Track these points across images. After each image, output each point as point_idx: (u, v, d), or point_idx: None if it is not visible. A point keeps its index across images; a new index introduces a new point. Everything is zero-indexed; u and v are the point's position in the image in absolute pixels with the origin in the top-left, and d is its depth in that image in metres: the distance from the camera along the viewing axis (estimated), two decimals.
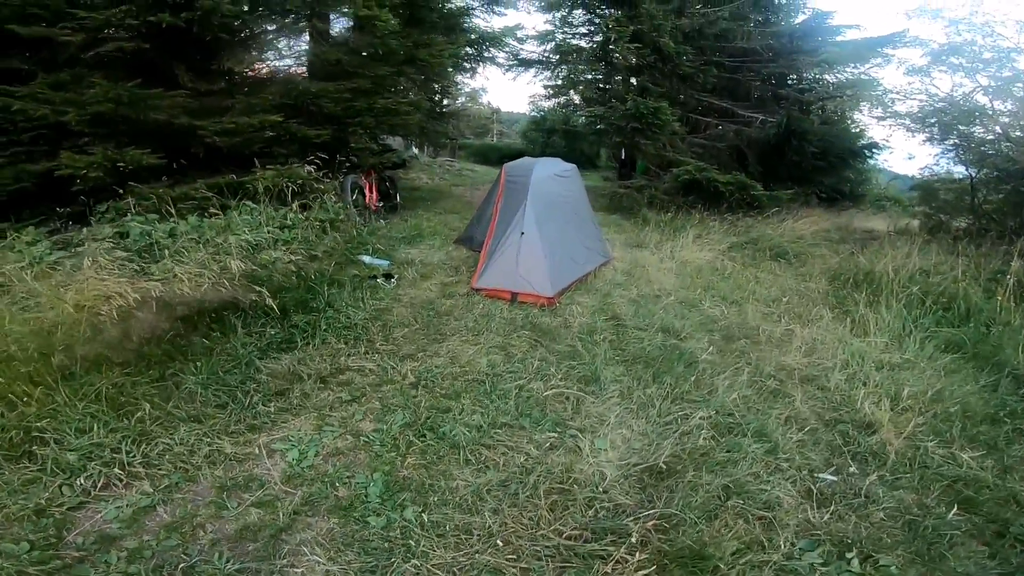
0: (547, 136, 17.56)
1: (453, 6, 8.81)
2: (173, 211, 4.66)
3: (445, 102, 14.11)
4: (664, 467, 2.47)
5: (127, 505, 2.10)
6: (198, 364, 3.02)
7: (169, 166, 5.07)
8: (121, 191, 4.60)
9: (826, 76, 11.24)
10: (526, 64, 12.00)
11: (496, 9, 11.18)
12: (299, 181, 5.21)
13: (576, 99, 11.91)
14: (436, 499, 2.21)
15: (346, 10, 4.99)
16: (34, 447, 2.30)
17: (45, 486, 2.14)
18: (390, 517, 2.10)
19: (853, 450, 2.76)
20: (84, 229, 4.45)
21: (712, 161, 9.58)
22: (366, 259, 5.04)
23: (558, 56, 11.36)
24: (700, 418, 2.85)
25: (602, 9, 10.34)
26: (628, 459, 2.53)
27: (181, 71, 4.78)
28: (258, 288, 3.65)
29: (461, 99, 19.61)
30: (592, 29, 11.16)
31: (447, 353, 3.45)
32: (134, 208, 4.59)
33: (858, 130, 11.67)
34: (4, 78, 4.29)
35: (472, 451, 2.52)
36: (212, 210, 4.84)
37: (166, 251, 4.12)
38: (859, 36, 10.26)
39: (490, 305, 4.26)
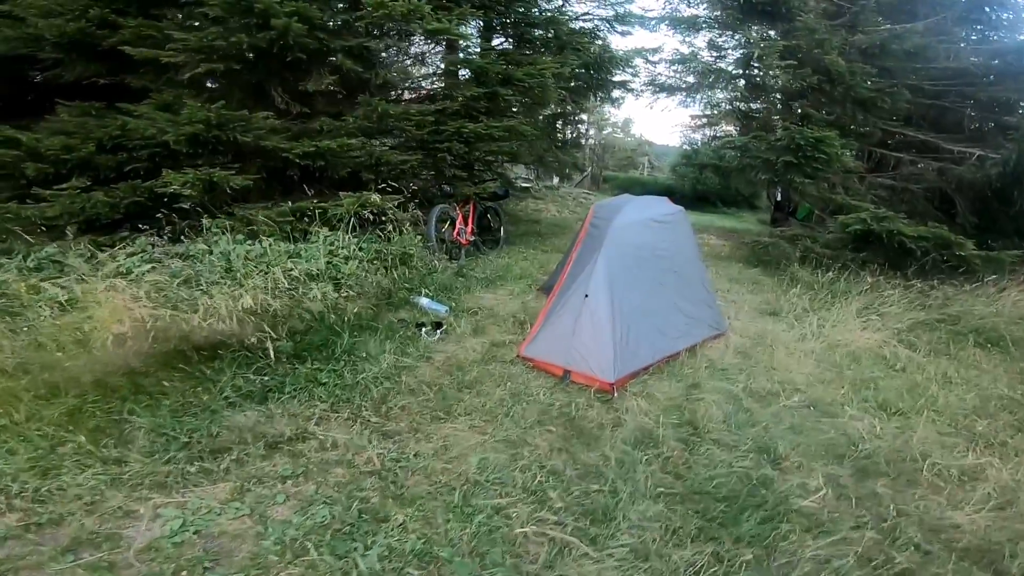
0: (699, 171, 15.94)
1: (574, 26, 8.20)
2: (256, 232, 4.76)
3: (568, 129, 13.52)
4: None
5: None
6: (164, 404, 2.75)
7: (268, 187, 5.24)
8: (219, 211, 4.82)
9: None
10: (662, 89, 10.87)
11: (618, 28, 10.17)
12: (374, 210, 4.98)
13: (728, 129, 10.43)
14: None
15: (416, 26, 4.66)
16: None
17: None
18: None
19: None
20: (175, 245, 4.73)
21: (901, 207, 7.44)
22: (423, 302, 4.54)
23: (695, 79, 10.06)
24: None
25: (748, 24, 8.86)
26: None
27: (276, 92, 4.89)
28: (266, 327, 3.35)
29: (607, 130, 18.96)
30: (735, 47, 9.68)
31: (441, 439, 2.72)
32: (226, 228, 4.76)
33: None
34: (125, 98, 4.75)
35: None
36: (295, 235, 4.86)
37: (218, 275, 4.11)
38: None
39: (532, 380, 3.41)
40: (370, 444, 2.61)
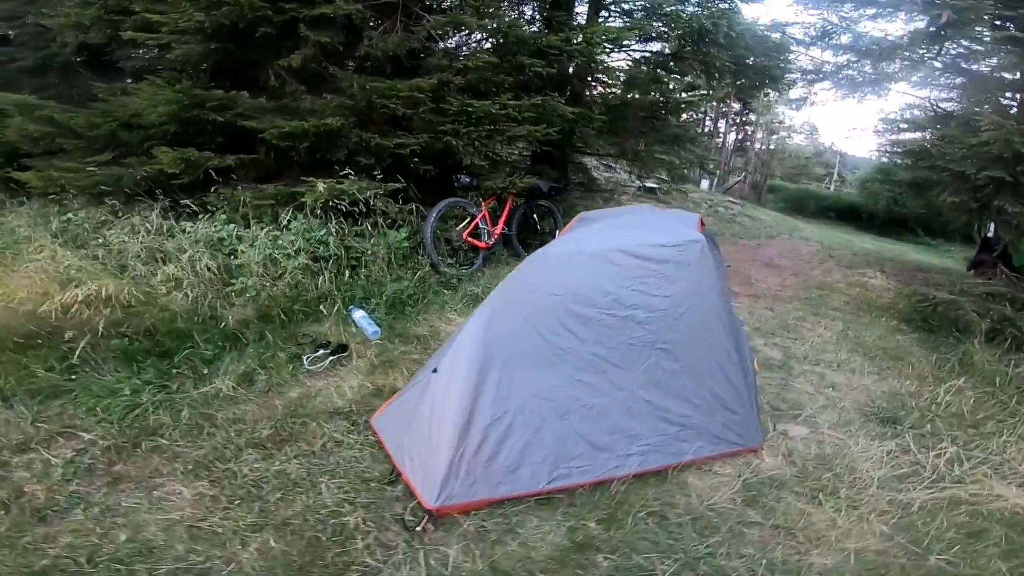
0: (893, 189, 12.32)
1: None
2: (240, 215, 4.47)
3: (720, 124, 11.28)
4: None
5: None
6: None
7: (267, 168, 4.92)
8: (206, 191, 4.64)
9: None
10: (809, 76, 8.21)
11: None
12: (347, 199, 4.29)
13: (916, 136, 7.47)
14: None
15: None
16: None
17: None
18: None
19: None
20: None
21: None
22: (356, 316, 3.70)
23: (853, 59, 7.29)
24: None
25: None
26: None
27: (265, 72, 4.47)
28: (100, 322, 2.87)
29: (780, 134, 15.72)
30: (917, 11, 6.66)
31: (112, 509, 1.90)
32: (212, 207, 4.56)
33: None
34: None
35: None
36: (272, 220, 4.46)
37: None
38: None
39: (350, 463, 2.38)
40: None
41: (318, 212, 4.37)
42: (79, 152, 4.76)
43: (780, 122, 16.74)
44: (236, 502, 2.13)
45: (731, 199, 13.46)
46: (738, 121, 17.05)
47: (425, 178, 5.07)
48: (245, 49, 4.26)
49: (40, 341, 2.95)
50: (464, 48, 4.31)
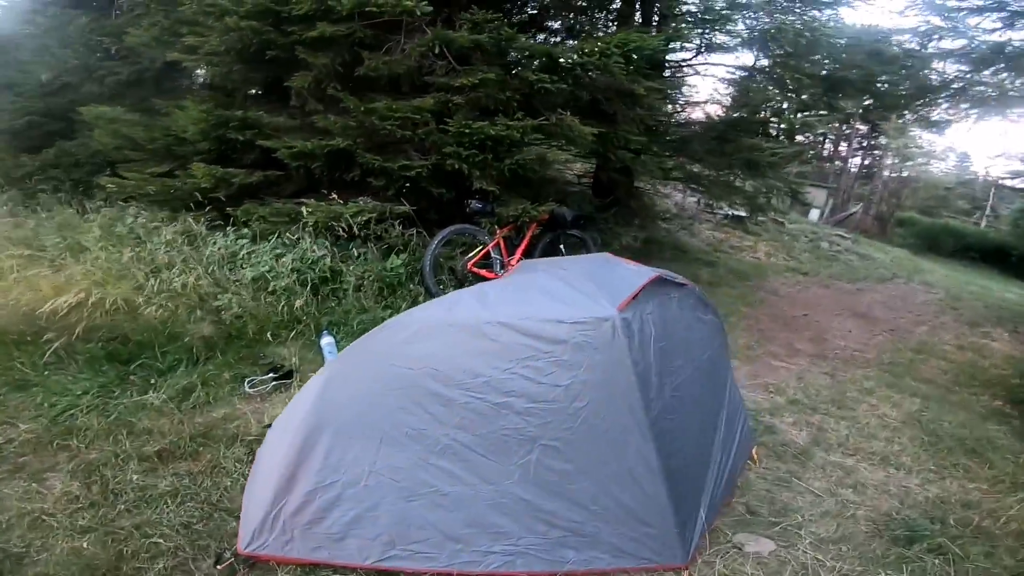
0: None
1: None
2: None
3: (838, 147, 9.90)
4: None
5: None
6: None
7: (294, 185, 5.08)
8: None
9: None
10: (946, 94, 6.74)
11: None
12: (345, 221, 4.28)
13: None
14: None
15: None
16: None
17: None
18: None
19: None
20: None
21: None
22: (324, 342, 3.58)
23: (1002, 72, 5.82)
24: None
25: None
26: None
27: (292, 92, 4.64)
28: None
29: (918, 159, 13.33)
30: None
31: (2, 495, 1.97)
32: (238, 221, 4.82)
33: None
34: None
35: None
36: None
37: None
38: None
39: (220, 488, 2.30)
40: None
41: (321, 232, 4.42)
42: (142, 163, 5.30)
43: (917, 147, 14.31)
44: (89, 504, 2.18)
45: (842, 232, 11.76)
46: (864, 145, 14.89)
47: (442, 202, 4.94)
48: (264, 70, 4.44)
49: (29, 339, 3.24)
50: (465, 65, 4.08)
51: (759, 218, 9.47)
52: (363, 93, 4.41)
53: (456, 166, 4.23)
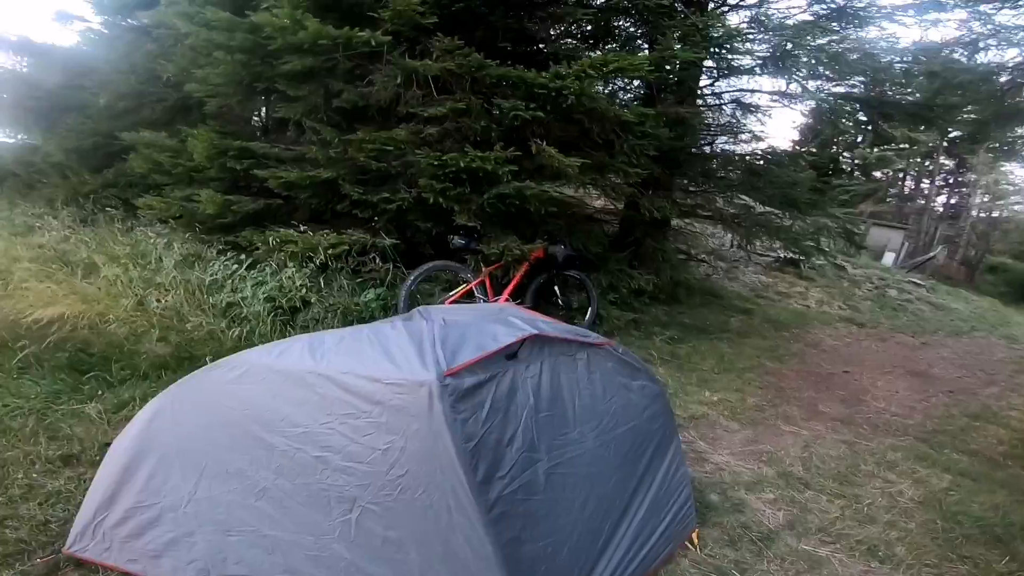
0: None
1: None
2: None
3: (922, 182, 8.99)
4: None
5: None
6: None
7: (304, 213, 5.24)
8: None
9: None
10: None
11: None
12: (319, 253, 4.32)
13: None
14: None
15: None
16: None
17: None
18: None
19: None
20: None
21: None
22: None
23: None
24: None
25: None
26: None
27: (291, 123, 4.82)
28: None
29: (1010, 197, 11.63)
30: None
31: None
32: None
33: None
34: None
35: None
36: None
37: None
38: None
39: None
40: None
41: (304, 262, 4.48)
42: (170, 187, 5.69)
43: (1009, 183, 12.59)
44: None
45: (916, 279, 10.49)
46: (950, 182, 13.33)
47: (431, 236, 4.87)
48: (259, 103, 4.65)
49: (9, 344, 3.46)
50: (444, 95, 4.03)
51: (816, 261, 8.64)
52: (356, 124, 4.50)
53: (432, 199, 4.16)
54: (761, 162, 6.10)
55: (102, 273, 4.60)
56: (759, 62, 5.28)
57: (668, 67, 4.75)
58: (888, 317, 8.41)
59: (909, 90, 6.70)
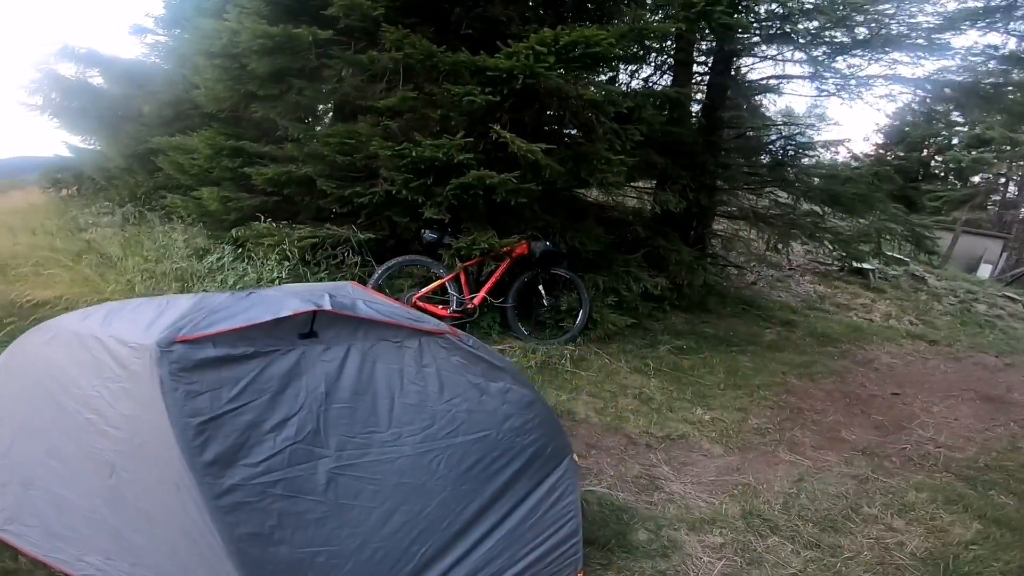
0: None
1: None
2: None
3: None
4: None
5: None
6: None
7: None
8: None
9: None
10: None
11: None
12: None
13: None
14: None
15: None
16: None
17: None
18: None
19: None
20: None
21: None
22: None
23: None
24: None
25: None
26: None
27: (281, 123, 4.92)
28: None
29: None
30: None
31: None
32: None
33: None
34: None
35: None
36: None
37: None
38: None
39: None
40: None
41: (279, 255, 4.52)
42: (188, 186, 6.04)
43: None
44: None
45: (1012, 293, 8.90)
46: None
47: (411, 230, 4.76)
48: (245, 102, 4.80)
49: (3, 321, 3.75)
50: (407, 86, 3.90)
51: (868, 267, 7.61)
52: (337, 121, 4.53)
53: (395, 191, 4.04)
54: (792, 152, 5.40)
55: (115, 262, 4.94)
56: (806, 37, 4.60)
57: (648, 43, 4.28)
58: (970, 335, 7.17)
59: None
